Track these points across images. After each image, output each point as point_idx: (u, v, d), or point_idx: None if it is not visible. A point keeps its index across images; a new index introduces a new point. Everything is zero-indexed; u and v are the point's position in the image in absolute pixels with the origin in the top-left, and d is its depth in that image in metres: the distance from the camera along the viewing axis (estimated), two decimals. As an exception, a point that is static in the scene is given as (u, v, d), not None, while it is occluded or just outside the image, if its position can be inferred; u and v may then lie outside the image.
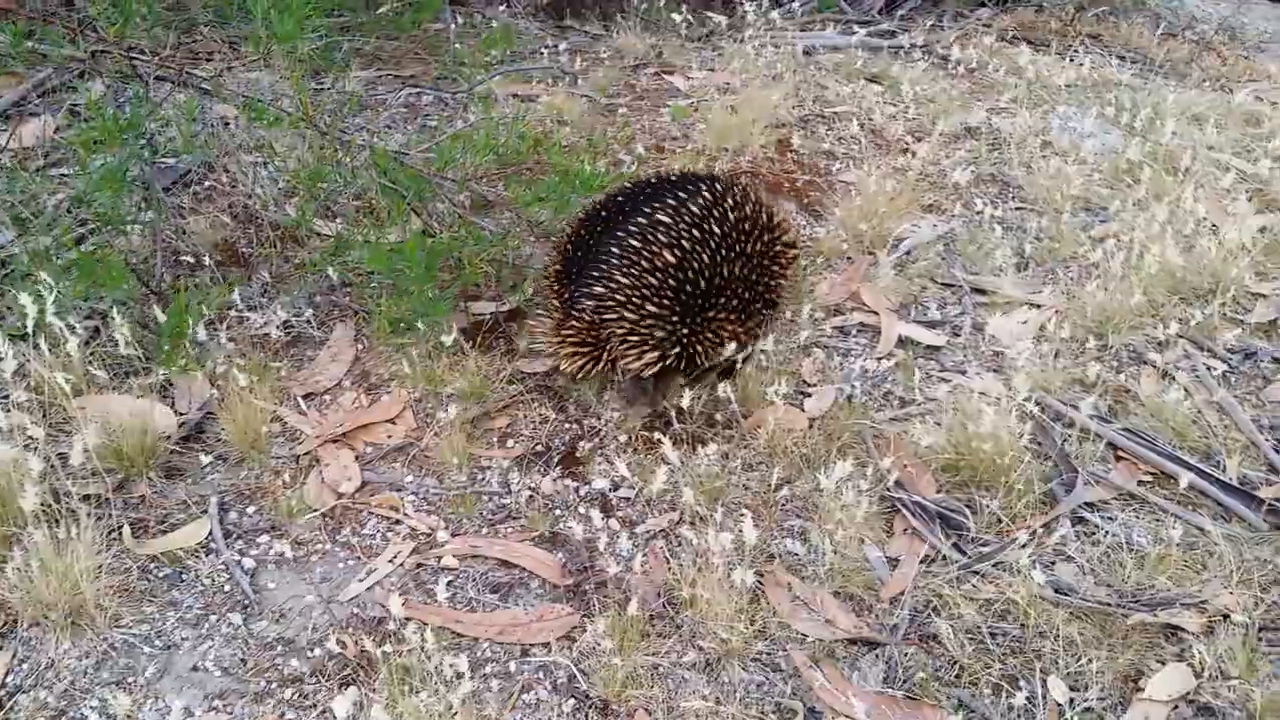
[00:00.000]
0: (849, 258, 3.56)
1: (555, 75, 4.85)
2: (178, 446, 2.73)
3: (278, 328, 3.02)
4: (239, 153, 3.55)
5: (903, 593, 2.38)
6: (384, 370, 2.99)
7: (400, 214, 2.78)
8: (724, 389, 2.69)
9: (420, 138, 3.96)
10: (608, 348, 2.65)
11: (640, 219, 2.68)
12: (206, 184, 3.64)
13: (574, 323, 2.65)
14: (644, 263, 2.63)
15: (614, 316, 2.62)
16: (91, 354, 2.84)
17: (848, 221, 3.68)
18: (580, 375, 2.72)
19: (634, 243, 2.65)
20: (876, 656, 2.26)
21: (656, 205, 2.71)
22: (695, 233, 2.69)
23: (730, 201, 2.78)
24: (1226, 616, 2.32)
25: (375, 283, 3.00)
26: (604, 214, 2.75)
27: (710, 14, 5.94)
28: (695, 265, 2.67)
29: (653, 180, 2.86)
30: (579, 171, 2.79)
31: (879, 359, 3.11)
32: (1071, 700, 2.16)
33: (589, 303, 2.63)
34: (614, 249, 2.65)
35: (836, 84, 4.91)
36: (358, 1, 4.93)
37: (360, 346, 3.09)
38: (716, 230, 2.72)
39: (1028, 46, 5.91)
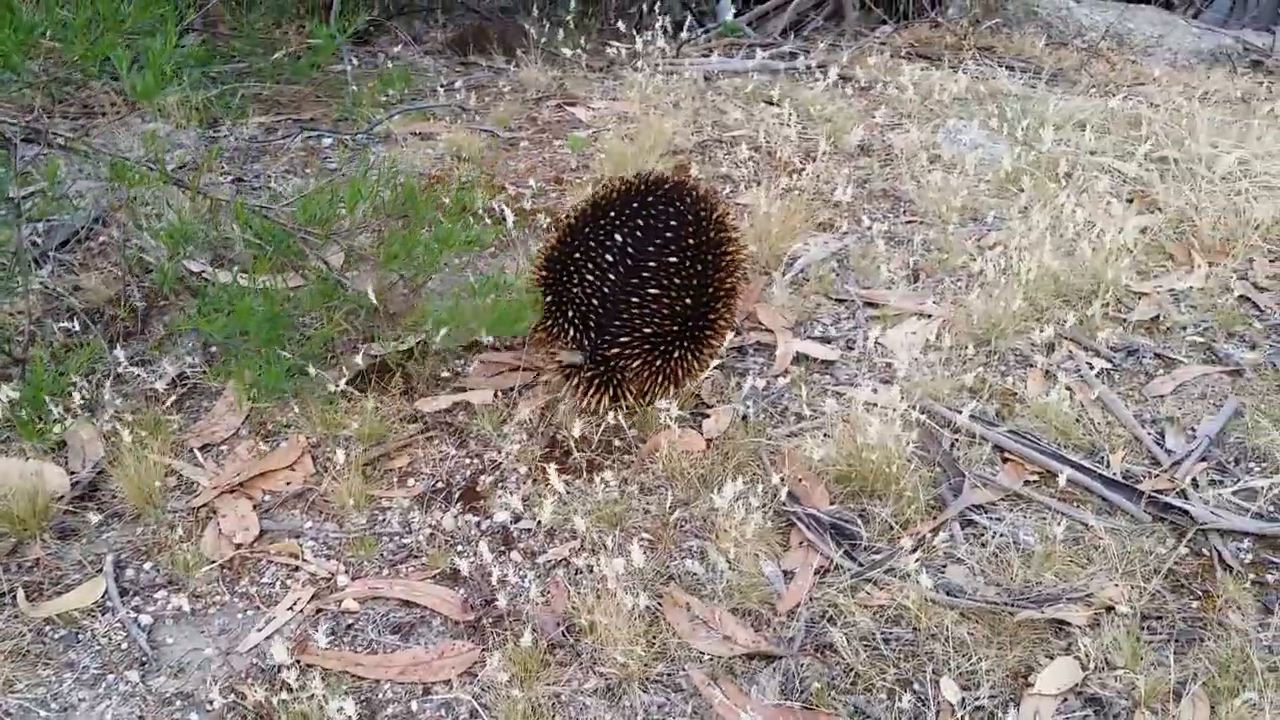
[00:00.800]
0: (745, 278, 3.63)
1: (455, 112, 4.89)
2: (71, 506, 2.70)
3: (170, 382, 3.00)
4: (133, 205, 3.53)
5: (799, 605, 2.43)
6: (281, 417, 2.99)
7: (263, 269, 2.77)
8: (617, 416, 2.73)
9: (293, 190, 3.96)
10: (625, 384, 2.82)
11: (650, 262, 2.78)
12: (101, 239, 3.61)
13: (599, 367, 2.79)
14: (664, 310, 2.76)
15: (639, 364, 2.77)
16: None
17: (742, 243, 3.74)
18: (600, 409, 2.84)
19: (653, 290, 2.76)
20: (774, 669, 2.30)
21: (659, 243, 2.80)
22: (699, 265, 2.83)
23: (702, 214, 2.92)
24: (1111, 608, 2.40)
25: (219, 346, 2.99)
26: (596, 238, 2.83)
27: (614, 43, 6.02)
28: (702, 295, 2.83)
29: (633, 194, 2.93)
30: (449, 233, 2.81)
31: (775, 376, 3.17)
32: (963, 700, 2.21)
33: (615, 350, 2.76)
34: (634, 299, 2.76)
35: (735, 108, 5.01)
36: (254, 47, 4.94)
37: (253, 390, 3.08)
38: (709, 257, 2.86)
39: (923, 62, 6.08)
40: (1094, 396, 3.03)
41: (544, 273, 2.90)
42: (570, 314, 2.79)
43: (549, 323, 2.83)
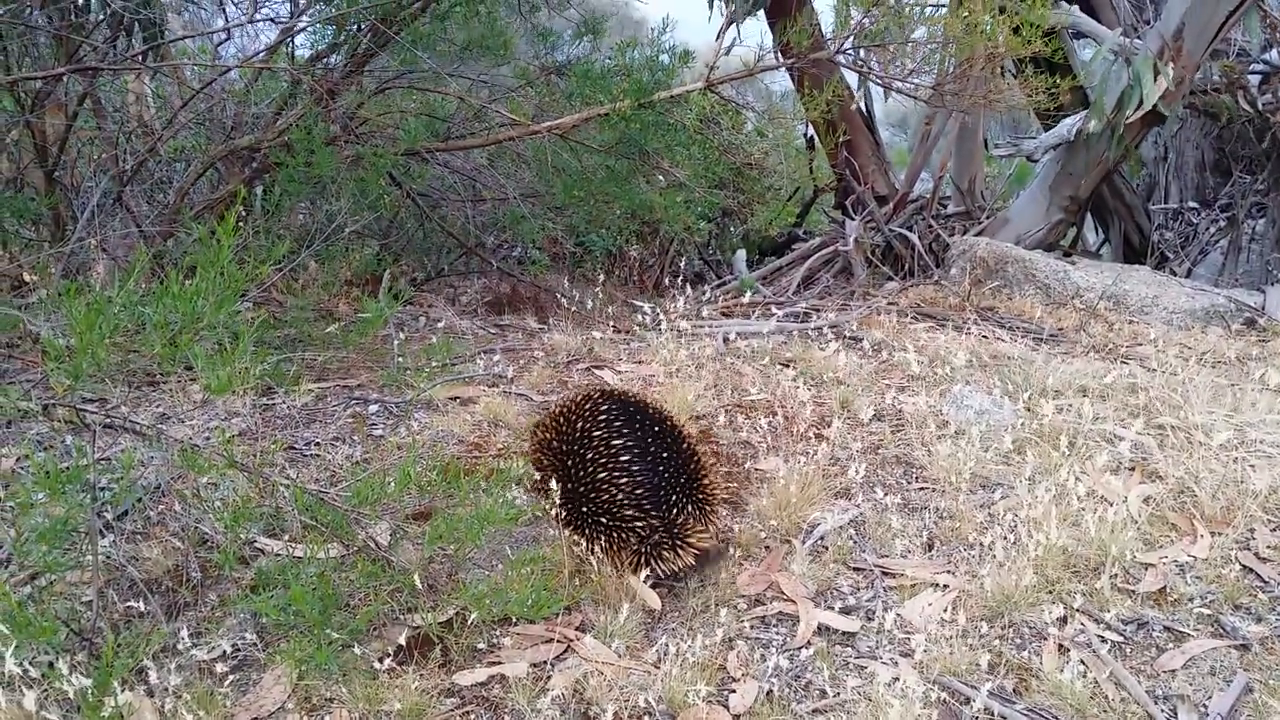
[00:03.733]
0: (767, 547, 3.81)
1: (492, 380, 5.22)
2: (123, 784, 2.80)
3: (222, 658, 3.15)
4: (193, 476, 3.77)
5: None
6: (327, 691, 3.12)
7: (317, 545, 2.99)
8: (647, 698, 2.86)
9: (343, 459, 4.23)
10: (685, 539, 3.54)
11: (666, 440, 3.62)
12: (159, 508, 3.85)
13: (669, 533, 3.51)
14: (691, 465, 3.62)
15: (694, 508, 3.57)
16: (45, 692, 2.95)
17: (764, 512, 3.95)
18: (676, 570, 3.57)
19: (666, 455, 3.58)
20: None
21: (649, 425, 3.64)
22: (679, 431, 3.70)
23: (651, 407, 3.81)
24: None
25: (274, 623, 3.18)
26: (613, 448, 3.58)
27: (638, 303, 6.44)
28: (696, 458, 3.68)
29: (618, 406, 3.71)
30: (490, 512, 3.05)
31: (798, 649, 3.30)
32: None
33: (675, 510, 3.53)
34: (665, 471, 3.54)
35: (753, 370, 5.32)
36: (307, 316, 5.34)
37: (304, 667, 3.22)
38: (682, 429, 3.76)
39: (929, 321, 6.45)
40: (1107, 674, 3.14)
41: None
42: (629, 513, 3.48)
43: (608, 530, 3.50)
